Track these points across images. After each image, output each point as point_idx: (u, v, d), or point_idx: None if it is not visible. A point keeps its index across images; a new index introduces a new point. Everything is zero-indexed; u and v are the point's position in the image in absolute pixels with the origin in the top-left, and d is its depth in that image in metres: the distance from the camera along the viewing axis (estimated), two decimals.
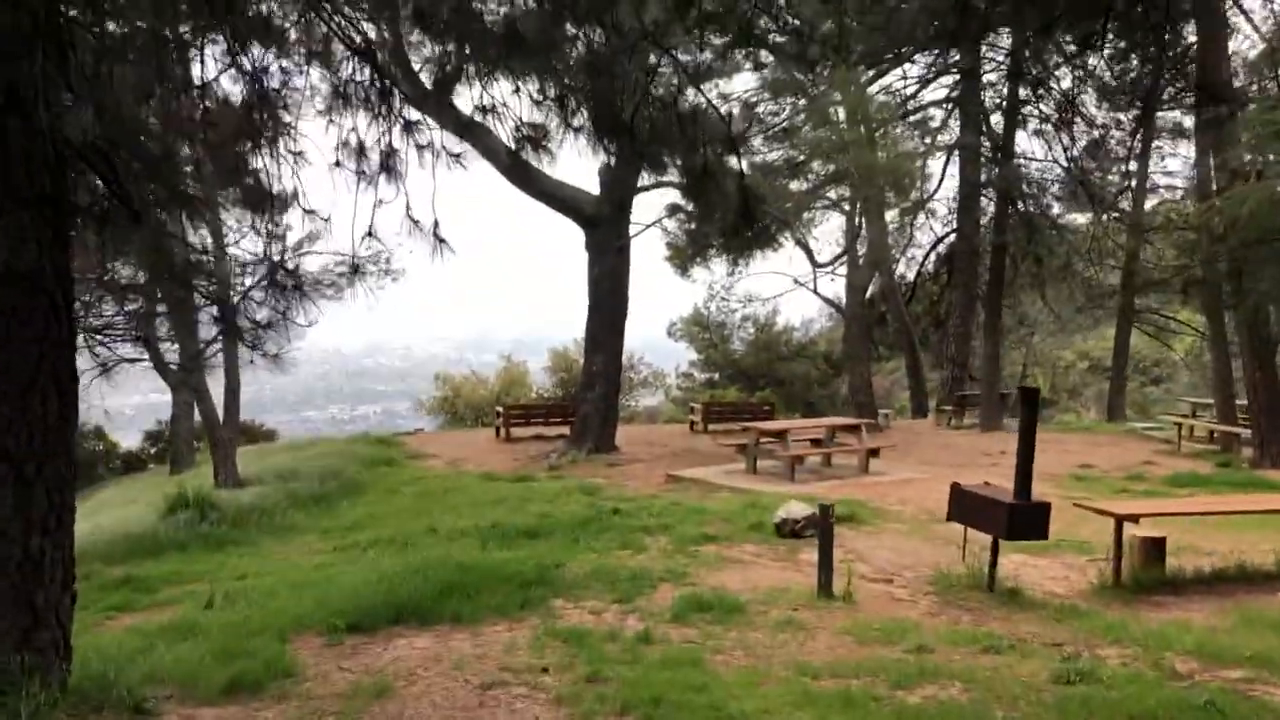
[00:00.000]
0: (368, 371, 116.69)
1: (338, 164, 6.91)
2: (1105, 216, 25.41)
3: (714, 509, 11.54)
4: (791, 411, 28.91)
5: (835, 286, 29.87)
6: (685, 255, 23.73)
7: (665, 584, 7.95)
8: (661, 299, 36.56)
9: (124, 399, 25.90)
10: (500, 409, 21.65)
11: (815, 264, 23.26)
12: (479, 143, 18.84)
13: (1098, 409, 34.04)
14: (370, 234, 6.14)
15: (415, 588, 7.37)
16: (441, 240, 6.19)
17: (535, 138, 6.42)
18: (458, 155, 6.56)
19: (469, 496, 13.32)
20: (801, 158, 24.12)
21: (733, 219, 5.53)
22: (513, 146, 6.56)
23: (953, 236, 29.57)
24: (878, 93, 24.99)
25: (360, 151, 6.76)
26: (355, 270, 6.52)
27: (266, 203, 5.84)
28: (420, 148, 6.83)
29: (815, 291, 27.13)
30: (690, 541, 9.74)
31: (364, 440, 19.73)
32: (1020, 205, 24.17)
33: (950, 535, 10.42)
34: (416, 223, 6.19)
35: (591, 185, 19.09)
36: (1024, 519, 7.71)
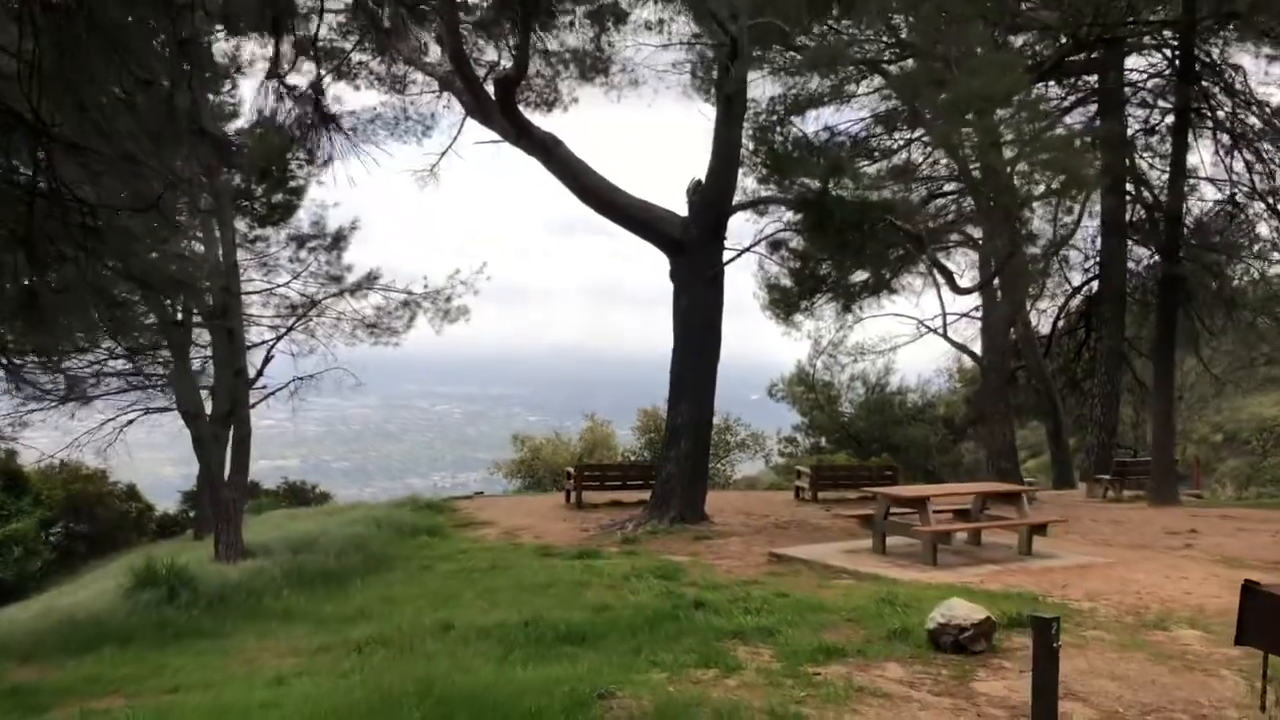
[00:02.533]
0: (469, 440, 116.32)
1: None
2: None
3: (835, 604, 8.37)
4: (909, 480, 25.22)
5: (962, 337, 26.13)
6: (791, 298, 20.56)
7: None
8: (757, 356, 33.16)
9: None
10: (570, 470, 18.67)
11: (956, 289, 19.37)
12: (551, 160, 16.42)
13: (1234, 486, 30.27)
14: None
15: None
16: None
17: None
18: None
19: (513, 578, 10.39)
20: (920, 195, 21.01)
21: None
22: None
23: (1094, 285, 26.04)
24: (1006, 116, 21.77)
25: None
26: None
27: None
28: None
29: (945, 336, 23.31)
30: (804, 656, 6.61)
31: (409, 505, 16.98)
32: (1192, 235, 20.32)
33: (1185, 651, 7.09)
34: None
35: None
36: None
